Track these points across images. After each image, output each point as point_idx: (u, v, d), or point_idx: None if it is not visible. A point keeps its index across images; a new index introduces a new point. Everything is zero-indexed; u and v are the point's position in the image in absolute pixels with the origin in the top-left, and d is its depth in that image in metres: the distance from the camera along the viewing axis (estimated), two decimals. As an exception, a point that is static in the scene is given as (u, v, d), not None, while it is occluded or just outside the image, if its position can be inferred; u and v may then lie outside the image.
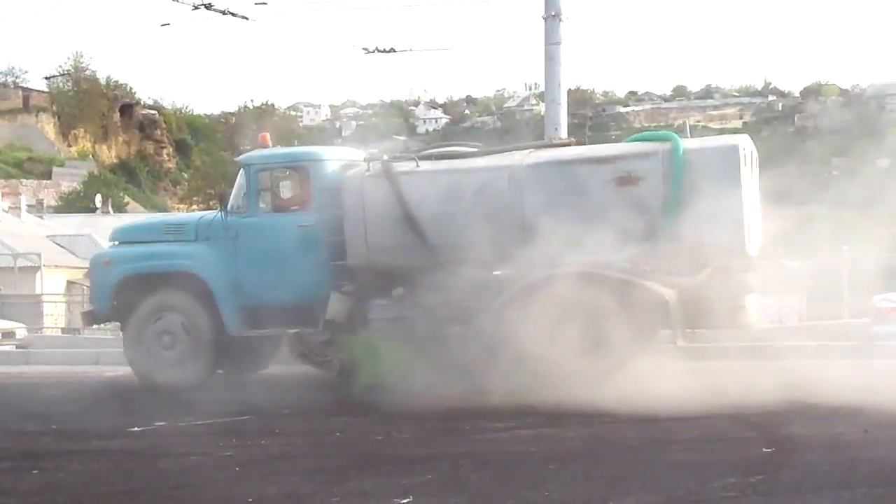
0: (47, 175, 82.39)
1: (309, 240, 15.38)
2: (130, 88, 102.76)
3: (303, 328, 15.18)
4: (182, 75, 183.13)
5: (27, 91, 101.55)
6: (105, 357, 20.52)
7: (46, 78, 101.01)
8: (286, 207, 16.10)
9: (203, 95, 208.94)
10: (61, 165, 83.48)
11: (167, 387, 15.57)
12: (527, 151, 15.10)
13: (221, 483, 9.42)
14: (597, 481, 9.05)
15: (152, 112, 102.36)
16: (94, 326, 20.23)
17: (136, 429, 12.39)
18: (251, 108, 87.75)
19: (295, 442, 11.57)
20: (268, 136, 16.90)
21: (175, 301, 16.01)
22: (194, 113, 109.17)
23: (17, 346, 23.98)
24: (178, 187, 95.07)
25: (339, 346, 14.81)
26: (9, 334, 24.35)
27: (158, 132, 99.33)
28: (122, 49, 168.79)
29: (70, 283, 41.37)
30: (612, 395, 12.37)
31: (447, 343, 13.95)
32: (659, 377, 13.59)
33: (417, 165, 15.05)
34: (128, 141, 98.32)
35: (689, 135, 15.18)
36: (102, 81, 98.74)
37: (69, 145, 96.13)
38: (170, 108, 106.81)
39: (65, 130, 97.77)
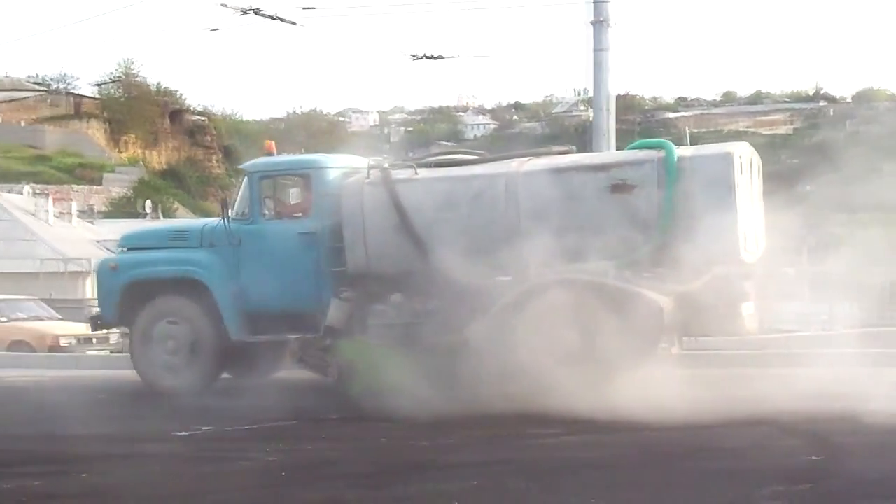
0: (98, 181, 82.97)
1: (310, 246, 15.50)
2: (180, 95, 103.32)
3: (304, 334, 15.23)
4: (231, 81, 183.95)
5: (78, 98, 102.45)
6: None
7: (97, 85, 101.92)
8: (288, 214, 16.28)
9: (251, 101, 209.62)
10: (111, 171, 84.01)
11: (170, 392, 15.82)
12: (524, 159, 15.11)
13: (266, 488, 9.44)
14: (642, 489, 9.01)
15: (201, 118, 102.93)
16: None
17: (181, 433, 12.44)
18: (299, 114, 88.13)
19: (340, 447, 11.57)
20: (273, 144, 17.08)
21: (178, 307, 16.17)
22: (243, 119, 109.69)
23: (112, 351, 23.61)
24: (226, 192, 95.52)
25: (338, 351, 14.85)
26: (102, 339, 23.95)
27: (207, 138, 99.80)
28: (172, 55, 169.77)
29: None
30: (651, 403, 12.27)
31: (443, 350, 13.98)
32: (689, 384, 13.47)
33: (416, 173, 15.16)
34: (177, 147, 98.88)
35: (688, 142, 15.22)
36: (152, 88, 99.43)
37: (119, 151, 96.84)
38: (219, 114, 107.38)
39: (115, 136, 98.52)
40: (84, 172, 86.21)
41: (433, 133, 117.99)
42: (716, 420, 11.71)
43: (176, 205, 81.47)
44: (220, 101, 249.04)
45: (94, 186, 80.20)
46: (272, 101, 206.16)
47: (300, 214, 16.07)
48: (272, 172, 16.35)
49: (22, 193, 64.42)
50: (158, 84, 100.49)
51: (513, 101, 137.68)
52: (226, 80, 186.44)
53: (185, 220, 16.56)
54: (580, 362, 13.38)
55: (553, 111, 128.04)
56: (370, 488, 9.22)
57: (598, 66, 21.03)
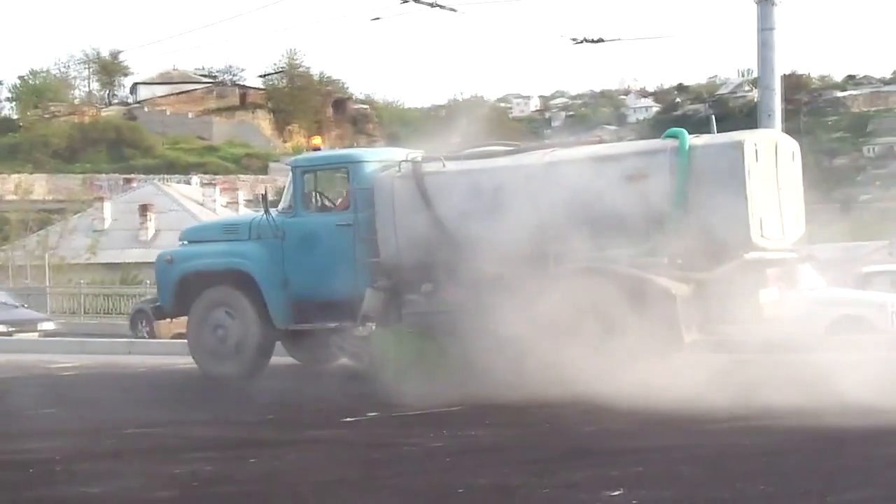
0: (264, 170, 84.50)
1: (347, 238, 16.02)
2: (343, 84, 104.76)
3: (343, 322, 15.80)
4: (393, 69, 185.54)
5: (244, 89, 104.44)
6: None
7: (262, 76, 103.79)
8: (328, 207, 16.92)
9: (414, 89, 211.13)
10: (277, 160, 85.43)
11: (220, 378, 16.49)
12: (548, 151, 15.42)
13: (432, 473, 9.47)
14: (813, 475, 8.82)
15: (364, 106, 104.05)
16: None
17: (349, 419, 12.55)
18: (461, 100, 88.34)
19: (504, 433, 11.55)
20: (320, 140, 18.01)
21: (228, 297, 16.92)
22: (405, 106, 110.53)
23: None
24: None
25: (372, 339, 15.32)
26: None
27: (370, 126, 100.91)
28: (335, 45, 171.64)
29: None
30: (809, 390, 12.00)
31: (470, 338, 14.16)
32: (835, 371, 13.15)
33: (444, 166, 15.51)
34: (341, 135, 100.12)
35: (714, 130, 15.08)
36: (316, 77, 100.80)
37: (284, 141, 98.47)
38: (381, 102, 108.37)
39: (280, 126, 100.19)
40: (250, 162, 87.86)
41: (595, 117, 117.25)
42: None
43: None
44: (383, 89, 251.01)
45: (261, 176, 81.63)
46: (434, 88, 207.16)
47: (339, 207, 16.68)
48: (313, 167, 17.07)
49: (191, 184, 66.01)
50: (322, 74, 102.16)
51: (676, 83, 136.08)
52: (388, 69, 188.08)
53: (238, 215, 17.12)
54: (600, 350, 13.59)
55: (717, 93, 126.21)
56: (535, 474, 9.17)
57: (765, 46, 20.62)
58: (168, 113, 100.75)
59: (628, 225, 13.99)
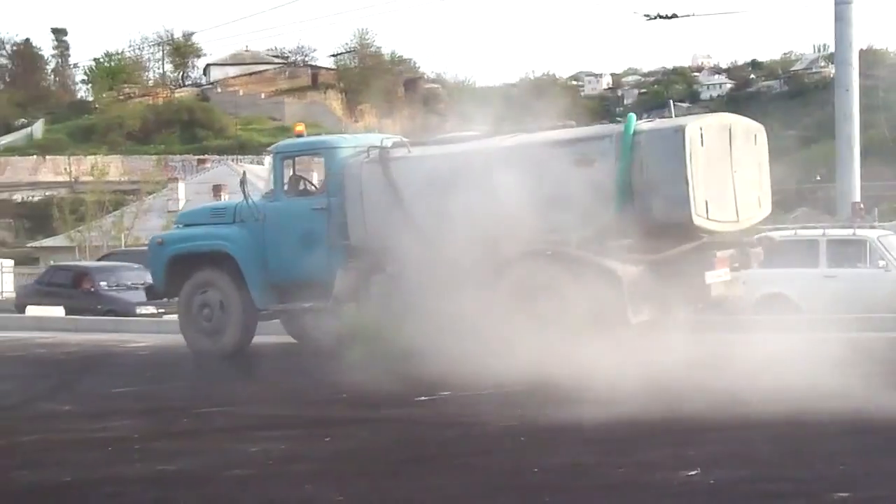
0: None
1: (322, 221, 16.52)
2: (414, 63, 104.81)
3: (318, 302, 16.35)
4: (464, 48, 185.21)
5: (315, 69, 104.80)
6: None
7: (333, 55, 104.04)
8: (306, 192, 17.40)
9: (485, 67, 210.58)
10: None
11: (206, 355, 17.15)
12: (506, 136, 15.74)
13: (507, 453, 9.44)
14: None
15: (435, 86, 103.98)
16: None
17: (422, 398, 12.55)
18: (532, 79, 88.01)
19: (578, 412, 11.46)
20: (302, 126, 18.46)
21: (213, 278, 17.51)
22: (476, 85, 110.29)
23: None
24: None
25: (341, 318, 15.89)
26: None
27: (441, 106, 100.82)
28: (406, 24, 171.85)
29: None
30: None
31: (429, 318, 14.56)
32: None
33: (409, 151, 16.06)
34: (412, 115, 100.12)
35: (672, 114, 15.68)
36: (387, 57, 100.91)
37: (355, 121, 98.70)
38: (452, 81, 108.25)
39: (351, 106, 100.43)
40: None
41: (668, 95, 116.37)
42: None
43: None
44: (454, 68, 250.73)
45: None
46: (505, 66, 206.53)
47: (315, 192, 17.26)
48: (292, 153, 17.58)
49: (263, 164, 66.29)
50: (393, 53, 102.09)
51: (750, 60, 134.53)
52: (459, 47, 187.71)
53: (225, 200, 17.66)
54: (550, 330, 13.92)
55: (792, 69, 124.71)
56: (611, 454, 9.14)
57: (841, 20, 20.38)
58: (240, 94, 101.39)
59: (578, 208, 14.23)
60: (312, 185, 17.62)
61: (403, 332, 14.77)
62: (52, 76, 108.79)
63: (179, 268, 17.82)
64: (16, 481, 8.82)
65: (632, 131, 14.40)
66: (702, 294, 14.69)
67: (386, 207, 15.73)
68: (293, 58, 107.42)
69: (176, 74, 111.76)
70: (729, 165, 14.63)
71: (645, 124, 14.84)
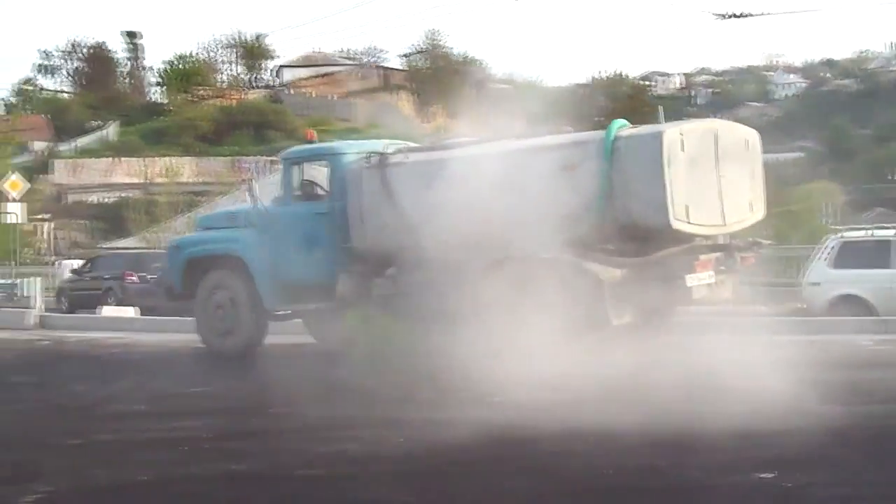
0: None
1: (326, 225, 17.02)
2: (484, 63, 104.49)
3: (323, 304, 16.95)
4: (534, 47, 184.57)
5: (386, 70, 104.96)
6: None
7: (404, 56, 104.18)
8: (313, 197, 17.66)
9: (554, 67, 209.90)
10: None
11: (220, 354, 17.83)
12: (495, 142, 16.12)
13: (577, 456, 9.41)
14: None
15: (505, 86, 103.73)
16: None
17: (496, 399, 12.50)
18: (602, 78, 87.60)
19: (647, 414, 11.40)
20: (314, 132, 18.88)
21: (226, 279, 18.12)
22: (546, 85, 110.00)
23: None
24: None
25: (344, 319, 16.59)
26: None
27: (511, 105, 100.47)
28: (476, 24, 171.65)
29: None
30: None
31: (425, 319, 15.37)
32: None
33: (406, 157, 16.54)
34: (481, 115, 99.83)
35: (661, 120, 15.37)
36: (456, 57, 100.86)
37: (426, 121, 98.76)
38: (522, 81, 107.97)
39: (422, 107, 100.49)
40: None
41: (740, 94, 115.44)
42: None
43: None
44: (524, 68, 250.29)
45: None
46: (575, 66, 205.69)
47: (321, 197, 17.52)
48: (300, 159, 18.07)
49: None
50: (463, 53, 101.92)
51: (824, 58, 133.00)
52: (529, 47, 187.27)
53: (240, 205, 18.23)
54: (535, 332, 13.96)
55: (867, 67, 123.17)
56: (686, 454, 9.07)
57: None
58: (312, 95, 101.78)
59: (564, 212, 14.44)
60: (324, 190, 17.70)
61: (401, 334, 15.54)
62: (126, 79, 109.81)
63: (195, 269, 18.51)
64: (92, 480, 8.92)
65: (612, 137, 14.70)
66: (683, 296, 14.93)
67: (383, 211, 16.19)
68: (364, 59, 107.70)
69: (248, 76, 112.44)
70: (715, 170, 14.82)
71: (626, 130, 15.00)
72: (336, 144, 18.24)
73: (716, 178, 14.80)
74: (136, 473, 9.02)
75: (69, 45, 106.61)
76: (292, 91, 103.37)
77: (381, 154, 16.63)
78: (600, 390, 12.01)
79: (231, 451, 9.85)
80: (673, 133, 14.53)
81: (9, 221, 38.28)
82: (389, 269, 16.15)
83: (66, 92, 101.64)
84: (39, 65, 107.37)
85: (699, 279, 14.82)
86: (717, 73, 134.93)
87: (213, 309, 18.20)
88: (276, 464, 9.27)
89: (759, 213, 15.63)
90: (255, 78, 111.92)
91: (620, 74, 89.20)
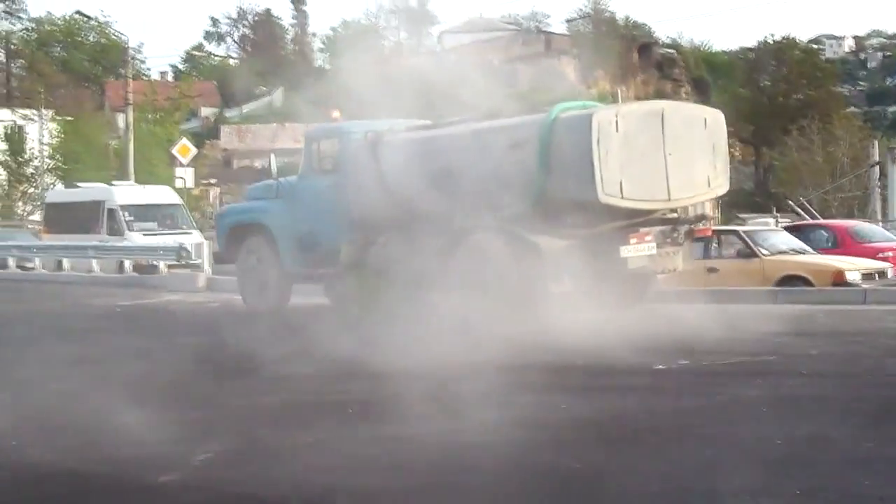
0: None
1: (334, 198, 18.57)
2: (648, 28, 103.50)
3: (333, 269, 18.45)
4: (701, 11, 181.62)
5: (549, 35, 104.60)
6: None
7: (567, 21, 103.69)
8: (325, 171, 19.27)
9: (722, 31, 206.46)
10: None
11: (255, 311, 19.80)
12: (464, 122, 17.54)
13: (748, 424, 9.27)
14: None
15: (670, 51, 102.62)
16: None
17: (660, 367, 12.39)
18: (771, 43, 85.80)
19: (824, 383, 11.20)
20: (338, 112, 20.10)
21: (258, 245, 20.21)
22: (713, 50, 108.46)
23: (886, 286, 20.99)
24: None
25: (343, 283, 18.34)
26: (881, 273, 21.38)
27: (676, 71, 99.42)
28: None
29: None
30: None
31: (405, 285, 16.73)
32: None
33: (395, 136, 18.08)
34: (645, 80, 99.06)
35: (619, 101, 17.29)
36: (621, 22, 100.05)
37: (588, 87, 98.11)
38: (687, 46, 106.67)
39: (584, 73, 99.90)
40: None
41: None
42: None
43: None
44: (690, 32, 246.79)
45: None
46: (743, 30, 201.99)
47: (332, 172, 19.10)
48: (317, 136, 20.04)
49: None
50: (627, 18, 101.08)
51: None
52: (696, 10, 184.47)
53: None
54: (492, 299, 15.70)
55: None
56: (859, 426, 8.88)
57: None
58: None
59: (513, 187, 15.84)
60: (335, 165, 19.20)
61: (389, 299, 16.82)
62: (292, 45, 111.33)
63: (237, 236, 20.78)
64: (260, 441, 9.04)
65: (552, 118, 15.82)
66: (619, 267, 15.85)
67: (376, 185, 17.63)
68: (527, 24, 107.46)
69: (411, 42, 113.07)
70: (661, 148, 15.68)
71: (566, 113, 16.05)
72: (347, 124, 19.59)
73: (661, 156, 15.69)
74: (302, 436, 9.12)
75: (237, 12, 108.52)
76: (455, 56, 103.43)
77: (377, 133, 18.14)
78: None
79: (397, 414, 9.87)
80: (606, 114, 15.55)
81: (178, 186, 39.13)
82: (381, 238, 17.62)
83: (234, 58, 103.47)
84: (208, 32, 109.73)
85: (636, 250, 15.94)
86: (890, 36, 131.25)
87: (249, 271, 20.44)
88: (439, 429, 9.27)
89: (720, 188, 16.62)
90: (418, 44, 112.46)
91: (790, 38, 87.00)
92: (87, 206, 35.70)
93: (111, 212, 34.51)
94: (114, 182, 38.61)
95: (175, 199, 36.37)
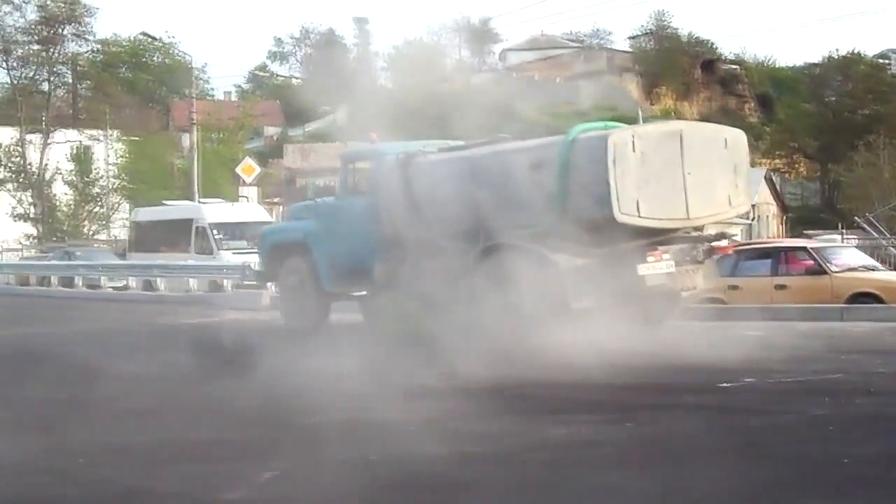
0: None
1: (368, 218, 18.79)
2: (712, 44, 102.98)
3: (367, 288, 19.23)
4: (765, 27, 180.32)
5: (611, 52, 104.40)
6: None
7: (630, 38, 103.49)
8: (361, 192, 19.63)
9: (786, 47, 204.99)
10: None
11: (296, 330, 19.85)
12: (491, 144, 17.86)
13: (815, 442, 9.19)
14: None
15: (734, 67, 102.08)
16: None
17: (726, 384, 12.31)
18: (836, 58, 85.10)
19: (892, 402, 11.09)
20: (376, 134, 20.01)
21: (298, 264, 20.41)
22: (777, 65, 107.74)
23: None
24: (759, 142, 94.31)
25: (378, 303, 18.86)
26: None
27: (740, 87, 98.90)
28: (704, 3, 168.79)
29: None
30: None
31: (437, 303, 16.84)
32: None
33: (425, 158, 18.37)
34: (709, 97, 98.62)
35: (640, 121, 17.42)
36: (684, 39, 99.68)
37: (652, 104, 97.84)
38: (751, 61, 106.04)
39: (648, 89, 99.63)
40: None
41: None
42: None
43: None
44: (754, 47, 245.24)
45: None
46: (807, 45, 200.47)
47: (366, 192, 19.40)
48: (352, 159, 20.51)
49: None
50: (690, 34, 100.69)
51: None
52: (760, 26, 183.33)
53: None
54: (510, 314, 15.83)
55: None
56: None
57: None
58: (536, 78, 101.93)
59: (536, 207, 16.15)
60: (369, 186, 19.51)
61: (420, 318, 16.97)
62: (354, 64, 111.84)
63: (277, 254, 21.02)
64: (326, 458, 9.05)
65: (571, 139, 16.09)
66: (637, 284, 15.92)
67: (406, 205, 17.97)
68: (589, 41, 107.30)
69: (473, 60, 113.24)
70: (680, 168, 15.91)
71: (584, 134, 16.30)
72: (380, 145, 19.73)
73: (680, 175, 15.90)
74: (369, 453, 9.13)
75: (301, 31, 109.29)
76: (516, 74, 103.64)
77: (407, 154, 18.41)
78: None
79: (466, 433, 9.87)
80: (622, 135, 15.80)
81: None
82: (412, 257, 17.82)
83: (297, 77, 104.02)
84: (272, 51, 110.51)
85: (654, 268, 16.00)
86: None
87: (290, 289, 20.70)
88: (509, 446, 9.27)
89: (742, 206, 16.88)
90: (480, 61, 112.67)
91: (855, 53, 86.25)
92: (175, 225, 35.82)
93: (201, 230, 34.53)
94: (202, 199, 38.78)
95: (265, 216, 36.33)
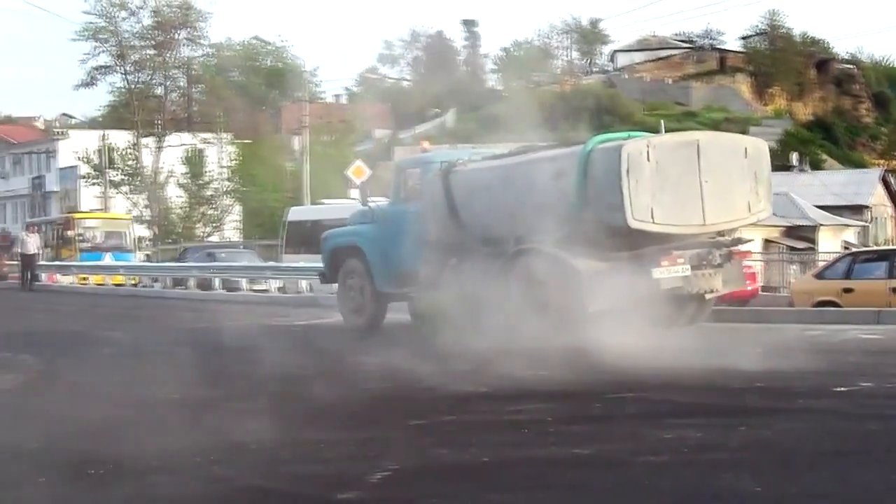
0: (744, 134, 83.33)
1: (416, 223, 19.75)
2: (826, 44, 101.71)
3: (415, 289, 19.80)
4: (881, 25, 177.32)
5: (723, 53, 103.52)
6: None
7: (742, 38, 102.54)
8: (410, 198, 20.57)
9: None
10: (758, 124, 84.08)
11: (354, 329, 21.16)
12: (522, 153, 18.64)
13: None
14: None
15: (849, 66, 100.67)
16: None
17: (840, 388, 12.13)
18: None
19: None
20: (427, 142, 21.38)
21: (355, 267, 21.56)
22: (894, 65, 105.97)
23: None
24: (876, 142, 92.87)
25: (424, 303, 19.51)
26: None
27: (856, 86, 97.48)
28: (817, 4, 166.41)
29: (767, 242, 41.98)
30: None
31: (471, 303, 17.73)
32: None
33: (465, 166, 19.25)
34: (824, 97, 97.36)
35: (663, 131, 17.78)
36: (798, 38, 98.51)
37: (764, 104, 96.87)
38: (868, 61, 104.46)
39: (760, 90, 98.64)
40: (729, 127, 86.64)
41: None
42: None
43: (824, 157, 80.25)
44: (870, 46, 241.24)
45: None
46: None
47: (415, 199, 20.28)
48: (405, 166, 21.81)
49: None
50: (804, 34, 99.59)
51: None
52: (876, 25, 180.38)
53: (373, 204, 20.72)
54: (541, 318, 16.56)
55: None
56: None
57: None
58: (647, 79, 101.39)
59: (559, 214, 16.75)
60: (418, 192, 20.35)
61: (460, 318, 17.63)
62: (464, 66, 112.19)
63: (338, 257, 22.16)
64: (436, 459, 9.09)
65: (588, 150, 16.75)
66: (652, 288, 16.50)
67: (446, 211, 18.91)
68: (700, 42, 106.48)
69: (583, 62, 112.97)
70: (696, 176, 16.44)
71: (602, 144, 16.94)
72: (429, 154, 21.12)
73: (696, 183, 16.44)
74: (479, 455, 9.14)
75: (410, 34, 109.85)
76: (627, 76, 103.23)
77: (449, 163, 19.42)
78: None
79: (573, 435, 9.85)
80: (636, 145, 16.41)
81: (354, 207, 39.38)
82: (452, 260, 18.79)
83: (407, 80, 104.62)
84: (381, 54, 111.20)
85: (669, 272, 16.67)
86: None
87: (348, 291, 21.78)
88: (617, 449, 9.21)
89: (762, 212, 17.25)
90: (591, 63, 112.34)
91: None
92: (332, 225, 36.08)
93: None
94: (328, 200, 38.90)
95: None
